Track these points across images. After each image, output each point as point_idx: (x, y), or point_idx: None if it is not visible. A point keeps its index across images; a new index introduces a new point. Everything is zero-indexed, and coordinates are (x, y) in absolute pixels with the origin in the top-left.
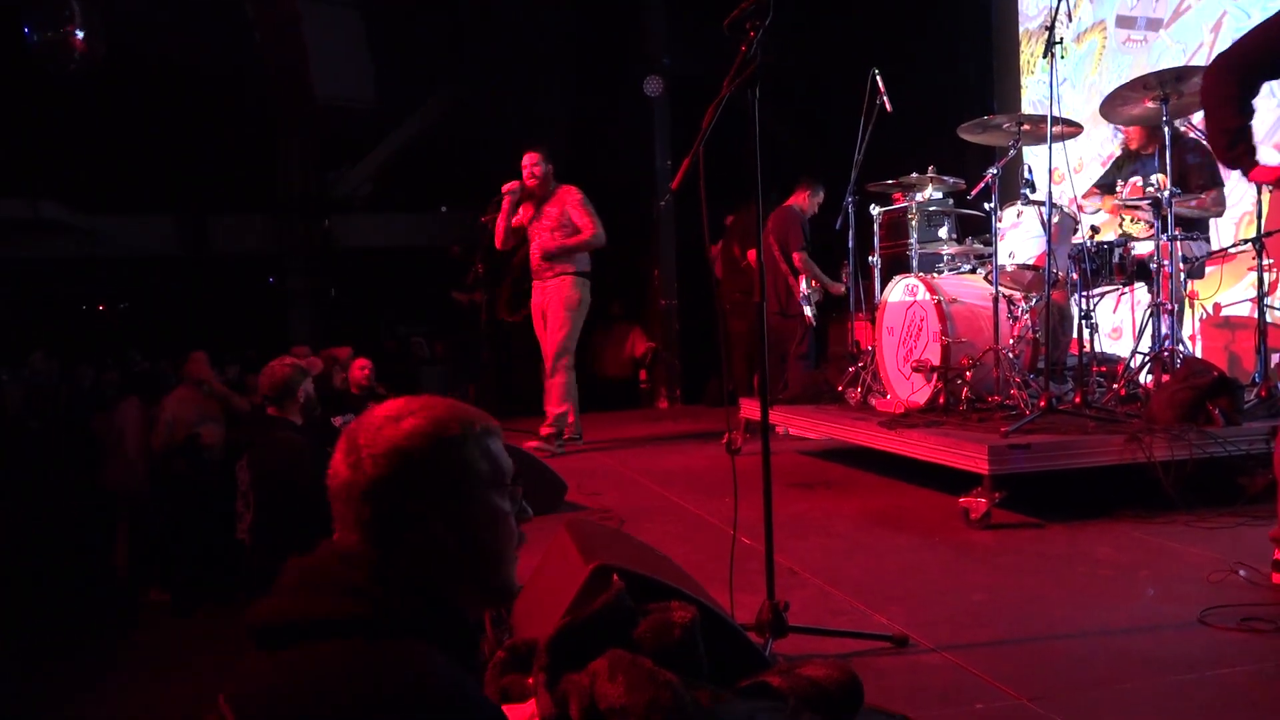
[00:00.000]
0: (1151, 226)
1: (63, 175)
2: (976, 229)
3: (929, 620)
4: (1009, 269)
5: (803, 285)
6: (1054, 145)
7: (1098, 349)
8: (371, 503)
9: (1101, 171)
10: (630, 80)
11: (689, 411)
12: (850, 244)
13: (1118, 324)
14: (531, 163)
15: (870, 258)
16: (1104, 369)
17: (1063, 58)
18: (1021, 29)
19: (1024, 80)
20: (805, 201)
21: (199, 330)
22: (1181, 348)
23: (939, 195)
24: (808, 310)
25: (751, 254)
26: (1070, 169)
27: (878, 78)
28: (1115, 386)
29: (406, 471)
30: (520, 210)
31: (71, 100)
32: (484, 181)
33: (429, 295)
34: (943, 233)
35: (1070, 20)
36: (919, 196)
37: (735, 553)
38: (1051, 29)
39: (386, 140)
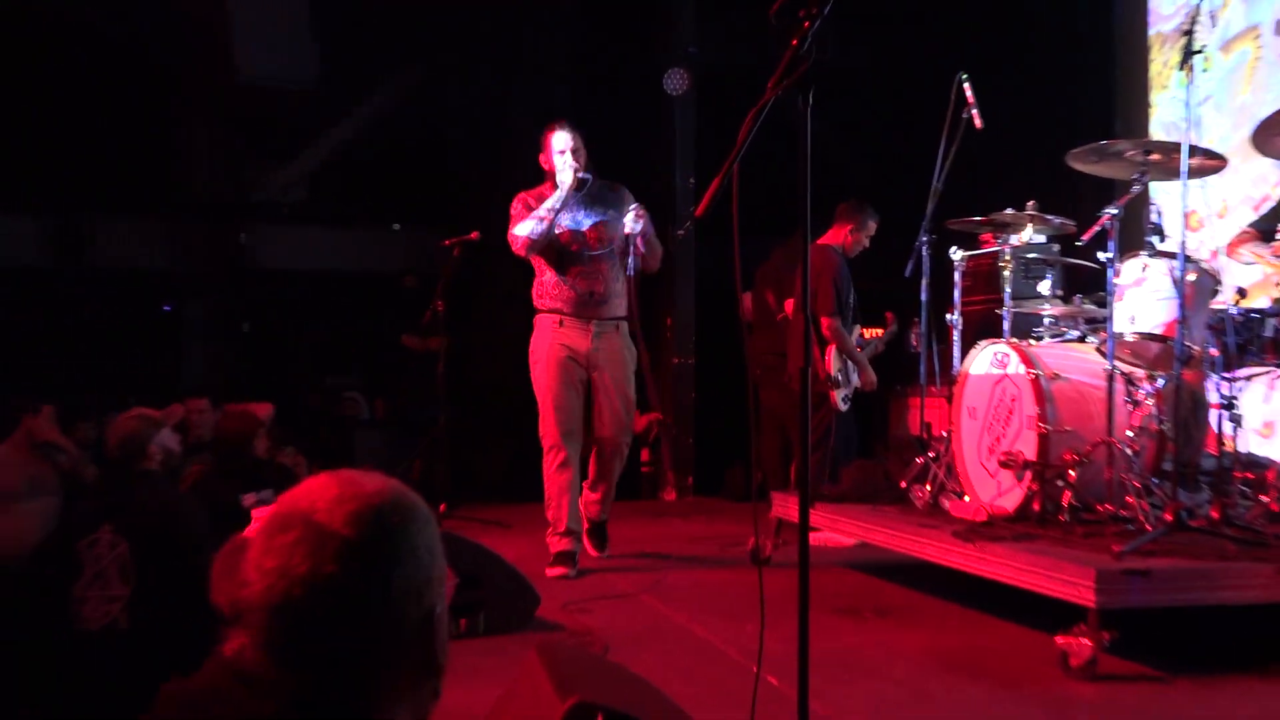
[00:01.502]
0: None
1: None
2: (1088, 285)
3: None
4: (1129, 339)
5: (832, 360)
6: (1191, 182)
7: (1242, 449)
8: (287, 618)
9: (1253, 218)
10: (646, 74)
11: (703, 506)
12: (923, 296)
13: (1270, 417)
14: (569, 146)
15: (948, 315)
16: (1250, 475)
17: (1205, 70)
18: (1152, 31)
19: (1153, 97)
20: (847, 238)
21: (65, 368)
22: None
23: (1041, 239)
24: (838, 396)
25: (790, 304)
26: (1212, 212)
27: (965, 85)
28: (1265, 499)
29: (333, 580)
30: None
31: None
32: (449, 193)
33: (371, 337)
34: (1044, 288)
35: (1214, 24)
36: (1015, 240)
37: (758, 696)
38: (1190, 34)
39: (327, 134)
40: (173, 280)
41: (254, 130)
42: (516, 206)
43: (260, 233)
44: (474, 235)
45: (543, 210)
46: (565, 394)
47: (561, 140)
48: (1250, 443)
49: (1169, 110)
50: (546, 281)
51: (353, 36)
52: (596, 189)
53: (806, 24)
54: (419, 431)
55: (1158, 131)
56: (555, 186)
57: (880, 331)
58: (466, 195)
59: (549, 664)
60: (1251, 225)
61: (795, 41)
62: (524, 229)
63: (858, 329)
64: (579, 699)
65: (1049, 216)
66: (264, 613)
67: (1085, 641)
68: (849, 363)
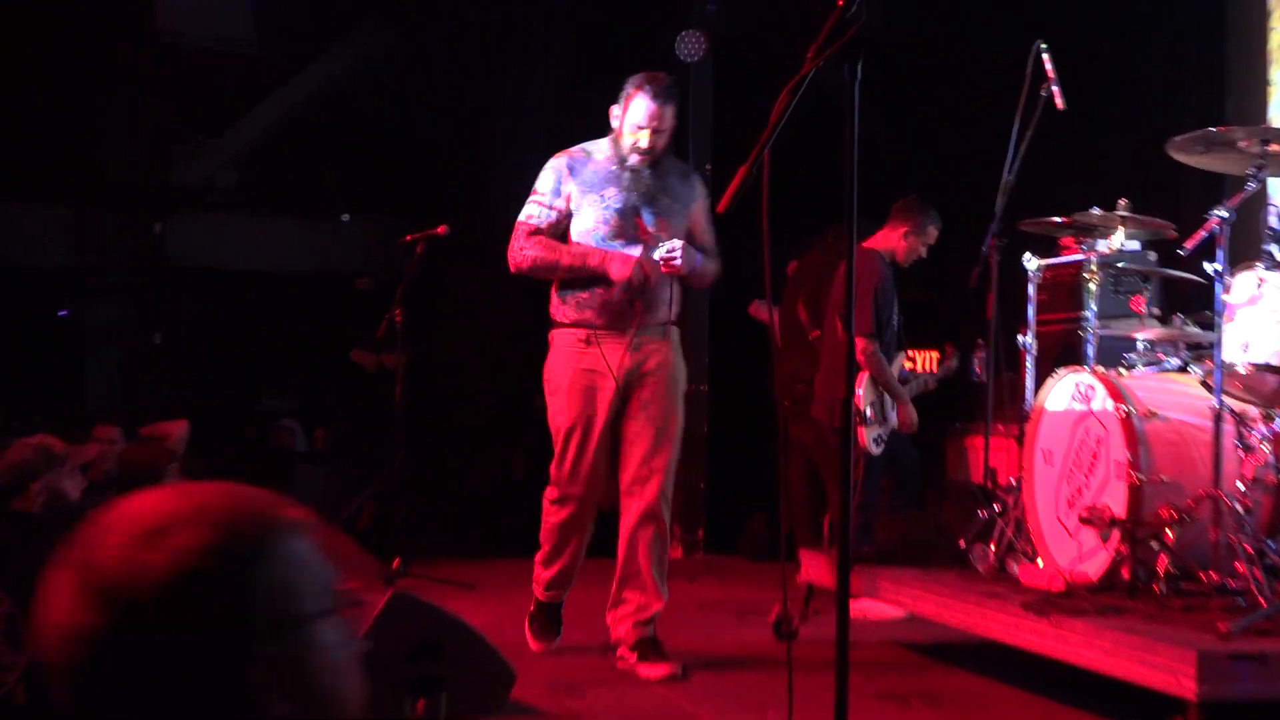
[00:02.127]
0: None
1: None
2: (1191, 303)
3: None
4: (1241, 370)
5: (863, 390)
6: None
7: None
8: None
9: None
10: (655, 37)
11: (716, 565)
12: (990, 313)
13: None
14: (660, 122)
15: (1021, 336)
16: None
17: None
18: None
19: (1273, 74)
20: (900, 242)
21: None
22: None
23: (1135, 246)
24: (867, 436)
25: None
26: None
27: (1045, 57)
28: None
29: (184, 616)
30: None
31: None
32: (413, 180)
33: (314, 352)
34: (1138, 305)
35: None
36: (1103, 246)
37: None
38: None
39: (265, 105)
40: (74, 277)
41: (181, 101)
42: (545, 186)
43: (181, 222)
44: (441, 229)
45: (572, 252)
46: (590, 439)
47: (653, 110)
48: None
49: None
50: (572, 284)
51: None
52: (665, 170)
53: None
54: (370, 468)
55: (1278, 118)
56: (616, 153)
57: (934, 361)
58: (434, 182)
59: None
60: None
61: (841, 3)
62: (535, 251)
63: (901, 356)
64: None
65: (1144, 218)
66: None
67: None
68: (885, 396)
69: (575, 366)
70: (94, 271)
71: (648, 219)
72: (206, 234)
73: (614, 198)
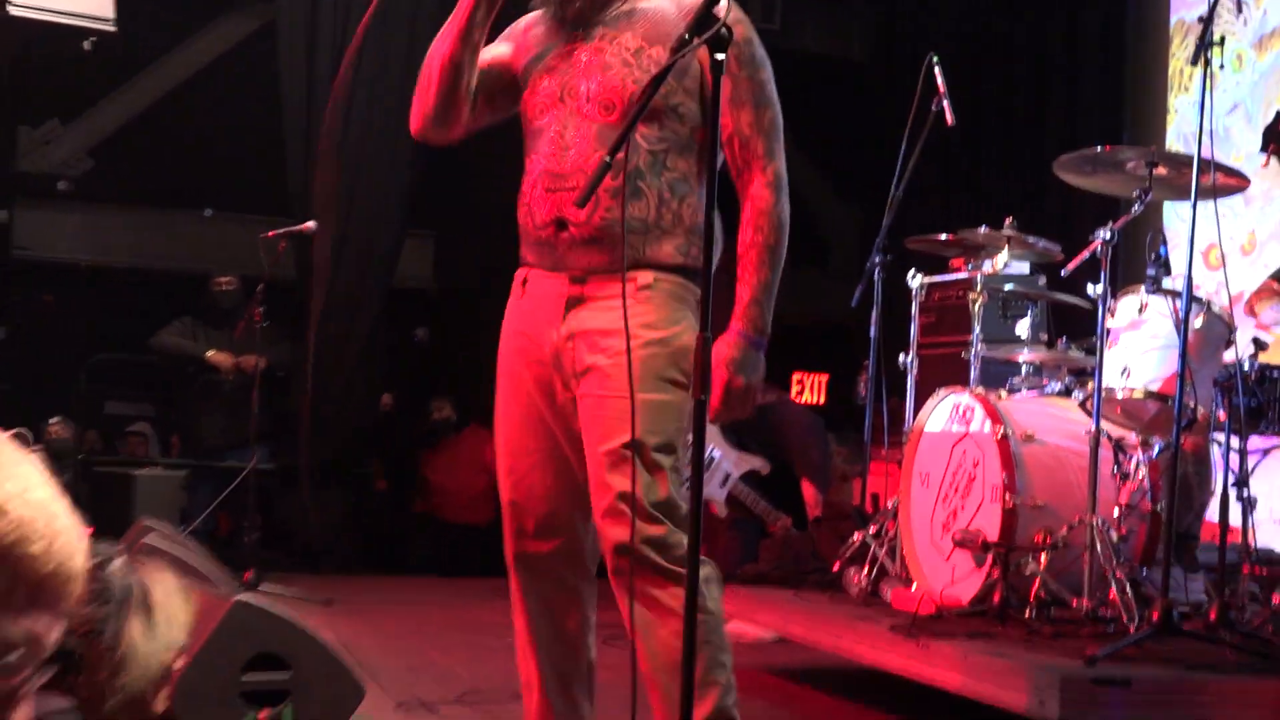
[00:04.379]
0: None
1: None
2: (1078, 329)
3: None
4: (1120, 395)
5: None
6: (1208, 204)
7: (1255, 541)
8: None
9: None
10: None
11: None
12: (873, 332)
13: None
14: None
15: (903, 356)
16: (1262, 572)
17: (1222, 67)
18: (1174, 19)
19: (1173, 101)
20: None
21: None
22: None
23: (1022, 268)
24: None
25: None
26: (1235, 246)
27: (937, 69)
28: (1277, 603)
29: None
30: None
31: None
32: (282, 175)
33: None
34: (1023, 328)
35: (1242, 12)
36: (989, 266)
37: None
38: (1208, 21)
39: (124, 89)
40: None
41: (32, 82)
42: None
43: (29, 212)
44: (307, 226)
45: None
46: (519, 436)
47: None
48: (1268, 535)
49: (1191, 118)
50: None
51: None
52: None
53: None
54: (224, 477)
55: (1176, 144)
56: None
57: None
58: (303, 177)
59: None
60: (1275, 275)
61: None
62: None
63: None
64: None
65: (1031, 239)
66: None
67: None
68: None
69: (507, 328)
70: None
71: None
72: (55, 225)
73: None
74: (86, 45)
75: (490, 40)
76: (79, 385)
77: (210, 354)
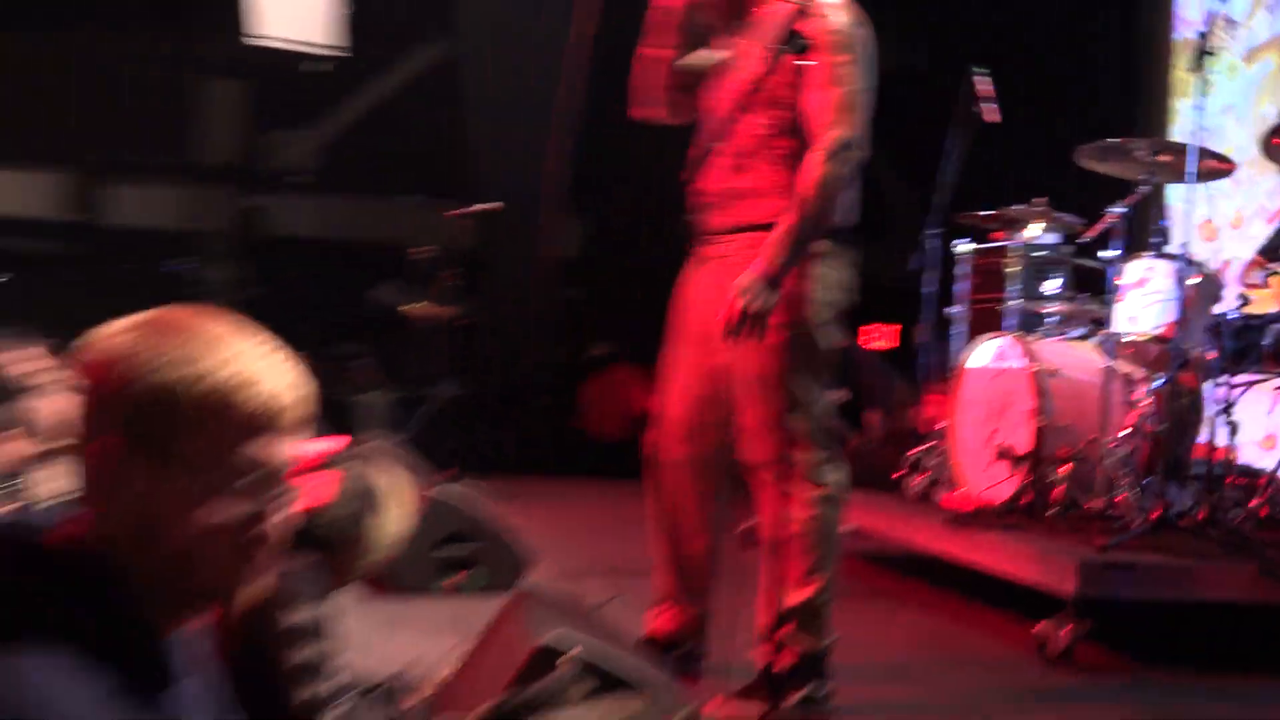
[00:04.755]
0: None
1: None
2: (1096, 287)
3: None
4: (1129, 339)
5: None
6: (1202, 188)
7: (1241, 459)
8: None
9: (1270, 231)
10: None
11: None
12: (929, 290)
13: (1272, 429)
14: None
15: (951, 308)
16: (1242, 481)
17: (1211, 71)
18: (1176, 37)
19: (1176, 103)
20: None
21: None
22: None
23: (1052, 238)
24: None
25: None
26: (1225, 222)
27: (975, 80)
28: (1253, 506)
29: (120, 399)
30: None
31: None
32: (466, 170)
33: (378, 306)
34: (1050, 286)
35: (1235, 31)
36: (1023, 236)
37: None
38: (1205, 35)
39: (344, 104)
40: (183, 240)
41: (274, 95)
42: None
43: (273, 199)
44: (488, 206)
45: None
46: (684, 362)
47: None
48: (1250, 455)
49: (1190, 117)
50: None
51: (381, 7)
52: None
53: None
54: (426, 401)
55: (1177, 139)
56: None
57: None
58: (485, 172)
59: (529, 606)
60: (1261, 251)
61: None
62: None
63: None
64: (548, 641)
65: (1058, 214)
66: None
67: (1063, 630)
68: None
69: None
70: (201, 234)
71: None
72: (293, 209)
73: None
74: (320, 68)
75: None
76: (313, 332)
77: (412, 307)
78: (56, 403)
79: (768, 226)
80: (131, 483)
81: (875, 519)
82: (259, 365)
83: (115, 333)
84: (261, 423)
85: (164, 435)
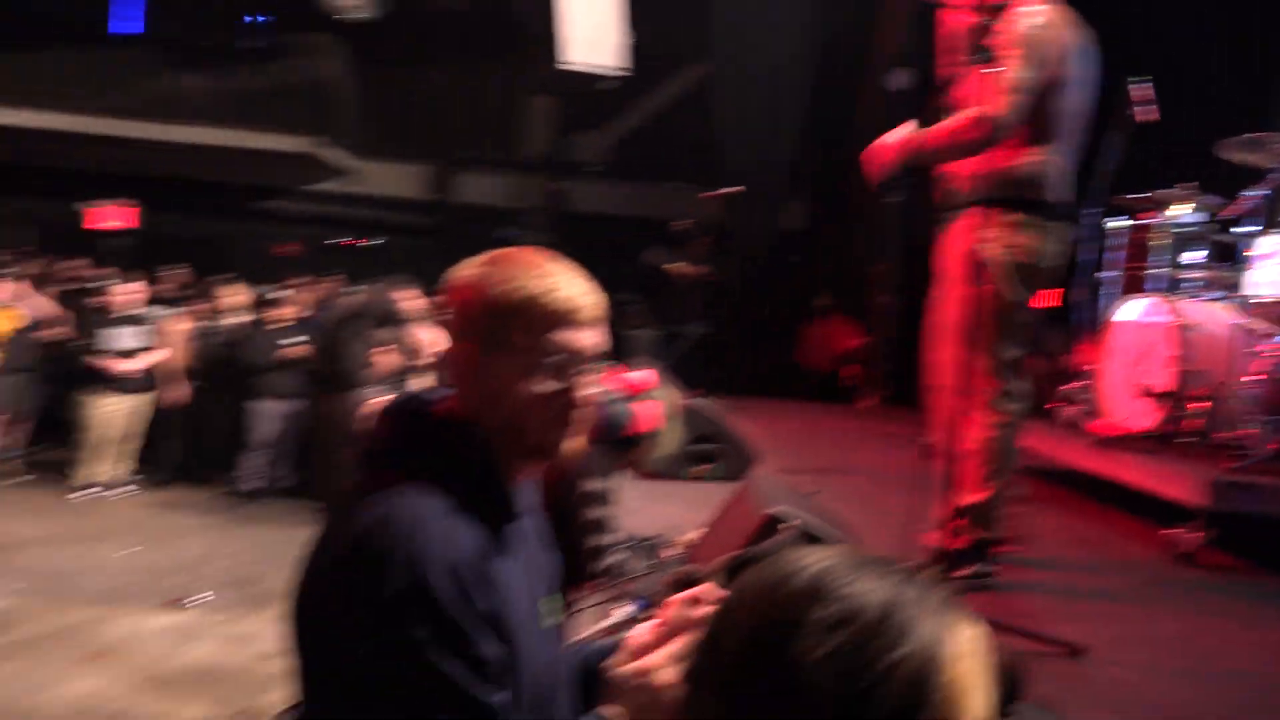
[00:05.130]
0: None
1: (337, 122)
2: (1234, 257)
3: (1111, 639)
4: (1258, 300)
5: None
6: None
7: None
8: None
9: None
10: (875, 72)
11: (894, 414)
12: (1086, 258)
13: None
14: None
15: (1102, 273)
16: None
17: None
18: None
19: None
20: None
21: (434, 271)
22: None
23: (1196, 216)
24: None
25: None
26: None
27: (1130, 87)
28: None
29: (472, 309)
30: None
31: (350, 51)
32: (715, 161)
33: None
34: (1193, 257)
35: None
36: (1170, 214)
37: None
38: None
39: (631, 110)
40: (509, 215)
41: (576, 106)
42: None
43: (574, 184)
44: (730, 190)
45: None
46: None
47: None
48: None
49: None
50: None
51: (653, 34)
52: None
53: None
54: (682, 337)
55: None
56: None
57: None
58: (729, 162)
59: (758, 488)
60: None
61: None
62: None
63: None
64: (775, 512)
65: (1201, 196)
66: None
67: (1192, 535)
68: None
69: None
70: (523, 210)
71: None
72: (589, 191)
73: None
74: (610, 85)
75: None
76: (600, 284)
77: (673, 265)
78: (424, 330)
79: (988, 201)
80: (480, 368)
81: (1037, 441)
82: (561, 279)
83: (468, 268)
84: (563, 317)
85: (500, 331)
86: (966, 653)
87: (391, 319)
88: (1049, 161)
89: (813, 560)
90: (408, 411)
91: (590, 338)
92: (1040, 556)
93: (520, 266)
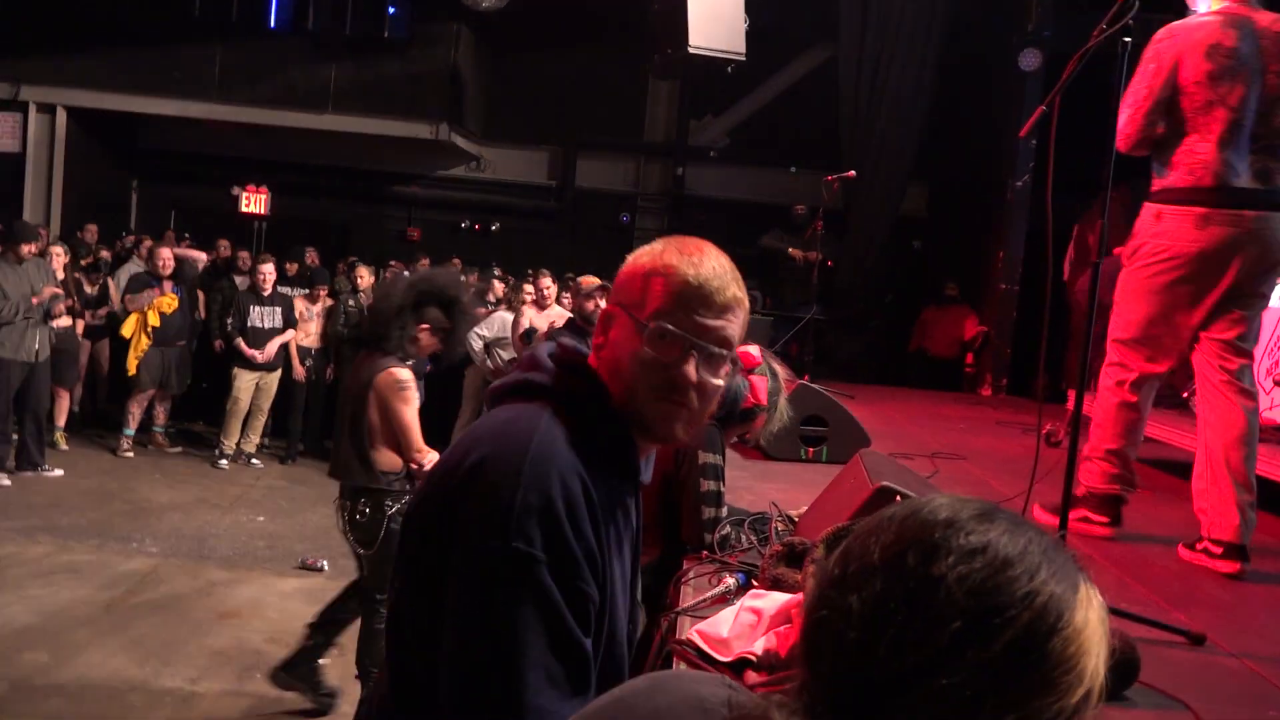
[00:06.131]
0: None
1: (463, 108)
2: None
3: (1235, 629)
4: None
5: None
6: None
7: None
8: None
9: None
10: (1004, 53)
11: (1012, 402)
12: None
13: None
14: None
15: None
16: None
17: None
18: None
19: None
20: None
21: (556, 253)
22: None
23: None
24: None
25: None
26: None
27: None
28: None
29: (624, 274)
30: None
31: (478, 40)
32: (834, 146)
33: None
34: None
35: None
36: None
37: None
38: None
39: (751, 95)
40: (630, 199)
41: (697, 91)
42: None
43: (693, 169)
44: (851, 173)
45: None
46: None
47: None
48: None
49: None
50: None
51: (774, 21)
52: None
53: None
54: (794, 321)
55: None
56: None
57: None
58: (846, 147)
59: (868, 463)
60: None
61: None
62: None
63: None
64: (884, 484)
65: None
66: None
67: None
68: None
69: None
70: (643, 195)
71: None
72: (707, 176)
73: None
74: (731, 71)
75: None
76: None
77: (790, 249)
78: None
79: (1161, 193)
80: (615, 331)
81: (1161, 429)
82: (706, 264)
83: (642, 251)
84: (691, 297)
85: (636, 297)
86: (1089, 615)
87: (452, 302)
88: (1195, 154)
89: (957, 501)
90: (570, 349)
91: (715, 323)
92: (1155, 544)
93: (680, 246)
